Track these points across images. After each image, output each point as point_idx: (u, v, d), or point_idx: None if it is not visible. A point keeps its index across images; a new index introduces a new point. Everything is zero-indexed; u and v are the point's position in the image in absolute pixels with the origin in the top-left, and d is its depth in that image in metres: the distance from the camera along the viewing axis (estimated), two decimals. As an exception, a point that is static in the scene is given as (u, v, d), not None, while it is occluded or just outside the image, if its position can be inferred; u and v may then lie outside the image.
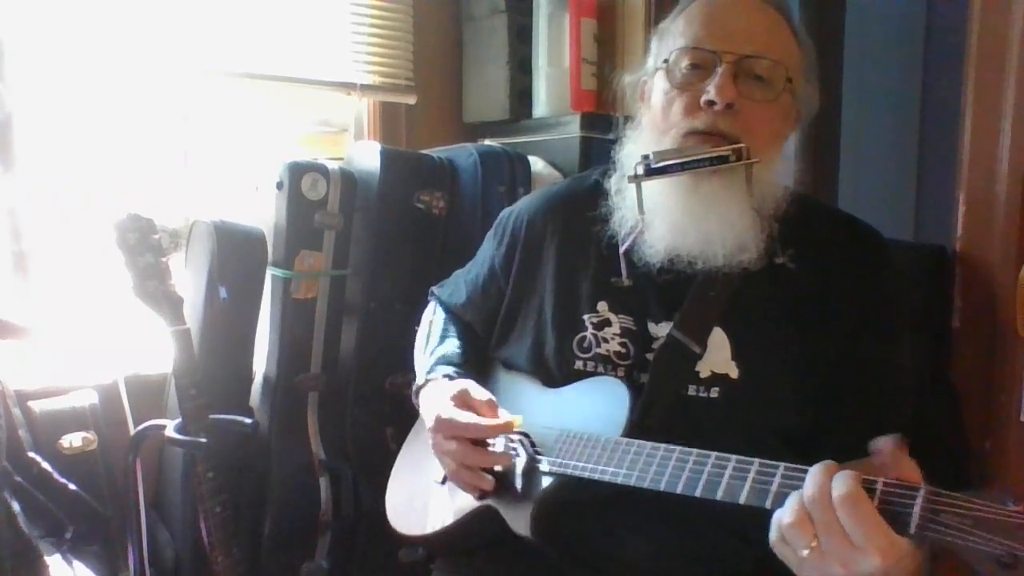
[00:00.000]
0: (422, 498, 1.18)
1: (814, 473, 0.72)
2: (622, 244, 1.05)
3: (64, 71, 1.77)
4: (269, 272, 1.69)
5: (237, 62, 1.90)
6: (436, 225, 1.76)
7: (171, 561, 1.68)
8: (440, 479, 1.15)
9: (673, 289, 1.02)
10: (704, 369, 0.99)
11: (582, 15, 1.96)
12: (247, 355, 1.72)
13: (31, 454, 1.53)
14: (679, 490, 0.84)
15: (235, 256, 1.64)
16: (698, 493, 0.82)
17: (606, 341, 1.05)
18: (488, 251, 1.25)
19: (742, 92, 0.96)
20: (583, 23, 1.96)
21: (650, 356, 1.02)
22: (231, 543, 1.44)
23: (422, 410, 1.16)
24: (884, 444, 0.73)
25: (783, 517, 0.72)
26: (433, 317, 1.31)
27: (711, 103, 0.96)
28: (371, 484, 1.67)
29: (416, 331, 1.36)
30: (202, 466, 1.41)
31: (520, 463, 1.04)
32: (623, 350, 1.04)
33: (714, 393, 0.99)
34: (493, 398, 1.07)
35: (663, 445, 0.88)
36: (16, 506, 1.42)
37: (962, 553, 0.65)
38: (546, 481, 0.99)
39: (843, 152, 2.54)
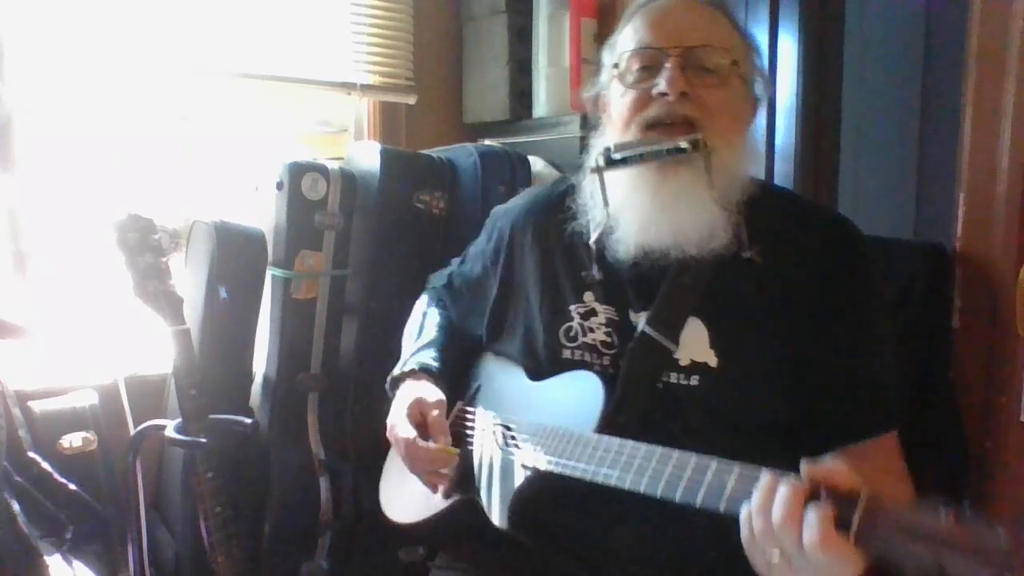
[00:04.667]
0: (411, 486, 1.19)
1: (781, 497, 0.72)
2: (591, 239, 1.07)
3: (64, 71, 1.77)
4: (269, 272, 1.69)
5: (237, 62, 1.90)
6: (436, 225, 1.76)
7: (171, 561, 1.68)
8: None
9: (647, 280, 1.04)
10: (684, 357, 1.00)
11: (582, 15, 1.96)
12: (247, 355, 1.72)
13: (31, 454, 1.53)
14: (643, 489, 0.85)
15: (235, 256, 1.64)
16: (660, 493, 0.83)
17: (592, 331, 1.07)
18: (480, 246, 1.29)
19: (692, 81, 0.99)
20: (583, 23, 1.96)
21: (632, 346, 1.03)
22: (231, 543, 1.44)
23: (393, 404, 1.20)
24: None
25: (753, 524, 0.74)
26: (427, 309, 1.35)
27: (663, 94, 0.99)
28: (371, 484, 1.67)
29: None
30: (202, 466, 1.41)
31: (497, 457, 1.08)
32: (608, 339, 1.06)
33: (694, 381, 0.99)
34: (443, 398, 1.14)
35: (638, 444, 0.89)
36: (16, 506, 1.42)
37: (895, 559, 0.65)
38: (522, 476, 1.01)
39: (843, 152, 2.54)
